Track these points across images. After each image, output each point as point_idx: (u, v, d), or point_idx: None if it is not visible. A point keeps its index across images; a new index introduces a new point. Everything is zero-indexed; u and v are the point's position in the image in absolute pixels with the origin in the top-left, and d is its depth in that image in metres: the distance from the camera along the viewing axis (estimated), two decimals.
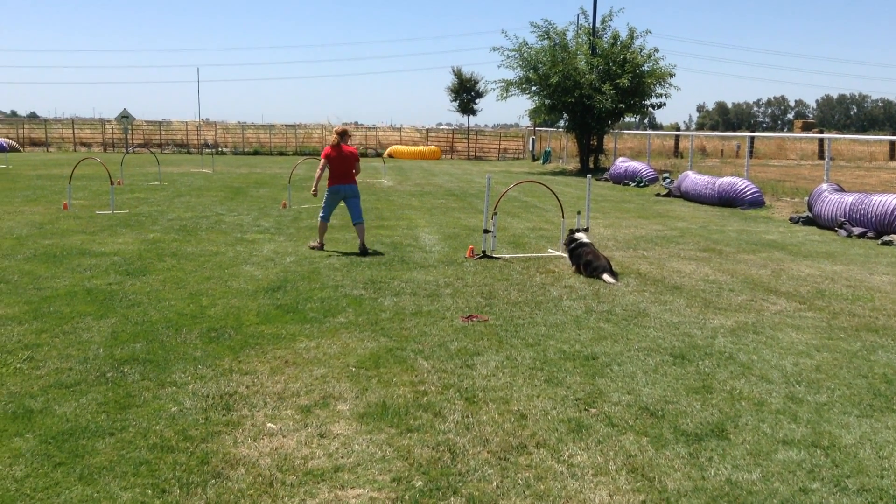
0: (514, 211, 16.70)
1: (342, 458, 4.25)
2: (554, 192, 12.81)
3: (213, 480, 3.95)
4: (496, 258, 10.69)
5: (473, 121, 54.38)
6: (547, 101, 33.57)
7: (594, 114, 32.16)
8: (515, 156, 50.80)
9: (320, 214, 11.32)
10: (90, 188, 20.00)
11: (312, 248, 11.31)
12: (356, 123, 69.32)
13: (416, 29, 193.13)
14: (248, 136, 53.23)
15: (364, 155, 48.83)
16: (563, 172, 33.82)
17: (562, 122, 35.75)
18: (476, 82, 51.21)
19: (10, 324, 6.82)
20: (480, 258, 10.64)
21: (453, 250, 11.37)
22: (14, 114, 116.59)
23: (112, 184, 16.25)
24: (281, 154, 48.77)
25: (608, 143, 36.53)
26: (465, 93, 51.12)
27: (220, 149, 49.25)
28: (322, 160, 11.16)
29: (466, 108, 51.57)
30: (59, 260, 9.89)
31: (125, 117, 43.99)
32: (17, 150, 45.00)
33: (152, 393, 5.18)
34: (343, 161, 11.20)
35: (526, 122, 42.97)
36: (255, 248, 11.18)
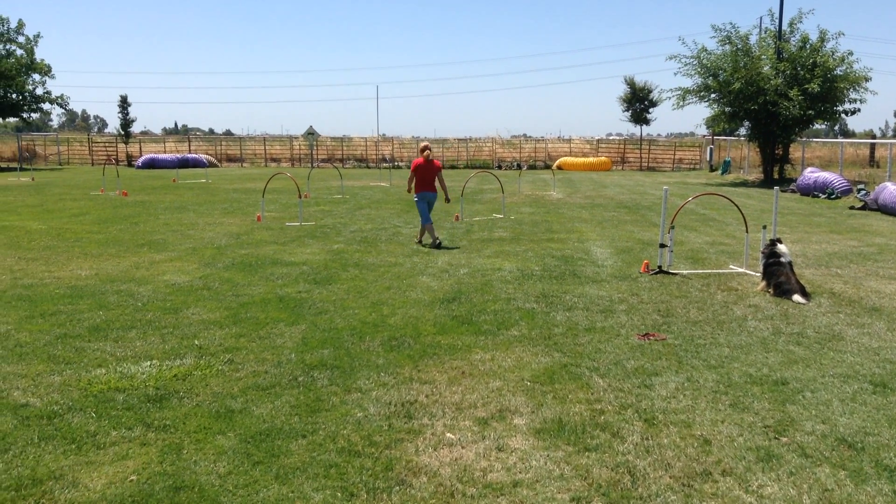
0: (691, 224, 16.11)
1: (520, 473, 4.28)
2: (736, 205, 12.24)
3: (397, 487, 4.10)
4: (673, 274, 10.35)
5: (646, 130, 53.12)
6: (727, 109, 32.19)
7: (779, 121, 30.43)
8: (692, 166, 48.96)
9: (421, 220, 13.21)
10: (280, 201, 21.43)
11: (418, 242, 13.26)
12: (525, 136, 69.67)
13: (588, 39, 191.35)
14: None
15: (533, 167, 48.97)
16: (744, 183, 32.18)
17: (743, 131, 34.12)
18: (649, 91, 50.03)
19: (213, 328, 7.43)
20: (656, 273, 10.35)
21: (627, 265, 11.13)
22: (212, 132, 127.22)
23: (300, 197, 17.35)
24: (453, 167, 49.87)
25: (795, 151, 34.41)
26: (638, 102, 50.04)
27: (396, 163, 51.15)
28: (411, 170, 13.37)
29: (639, 117, 50.47)
30: (255, 268, 10.68)
31: (311, 134, 46.70)
32: (215, 166, 49.03)
33: (339, 398, 5.46)
34: (429, 171, 13.26)
35: (703, 130, 41.30)
36: (431, 260, 11.50)
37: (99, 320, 7.66)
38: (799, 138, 33.68)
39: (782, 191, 25.15)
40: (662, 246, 10.59)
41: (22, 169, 42.14)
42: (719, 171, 40.87)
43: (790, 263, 9.28)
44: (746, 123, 33.13)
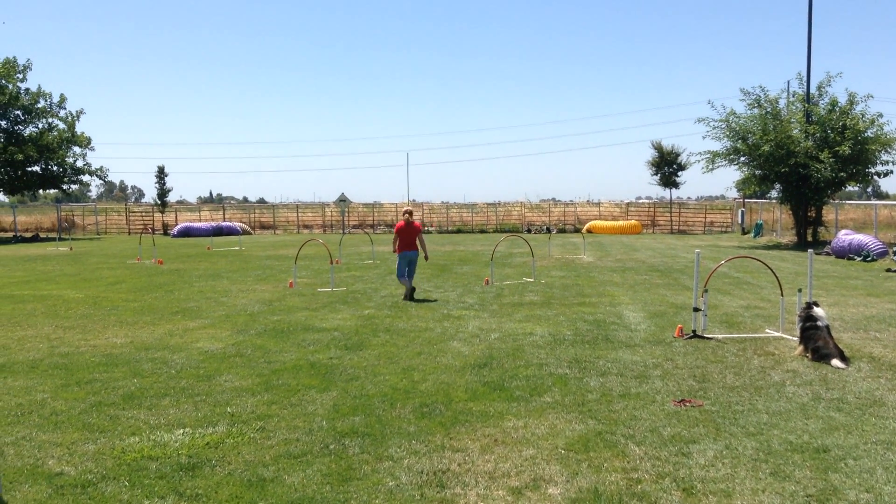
0: (725, 288, 15.93)
1: None
2: (770, 268, 12.11)
3: None
4: (708, 338, 10.20)
5: (675, 193, 52.98)
6: (757, 172, 32.12)
7: (811, 183, 30.26)
8: (723, 229, 48.68)
9: (396, 273, 14.89)
10: (312, 267, 21.64)
11: (406, 297, 14.51)
12: (553, 200, 69.93)
13: (614, 105, 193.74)
14: (452, 215, 55.35)
15: (562, 231, 49.03)
16: (777, 246, 31.87)
17: (774, 193, 33.92)
18: (677, 155, 50.15)
19: (245, 395, 7.45)
20: (690, 338, 10.21)
21: (660, 329, 11.01)
22: (245, 200, 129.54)
23: (332, 263, 17.51)
24: (482, 232, 50.16)
25: (827, 214, 34.08)
26: (667, 166, 50.14)
27: (426, 228, 51.56)
28: (395, 232, 14.91)
29: (668, 181, 50.50)
30: (286, 335, 10.74)
31: (343, 201, 47.38)
32: (248, 233, 49.79)
33: (371, 466, 5.41)
34: (409, 233, 14.82)
35: (733, 193, 41.16)
36: (461, 325, 11.48)
37: (133, 388, 7.73)
38: (831, 200, 33.41)
39: (816, 253, 24.86)
40: (696, 310, 10.48)
41: (61, 239, 43.20)
42: (751, 234, 40.57)
43: (827, 327, 9.11)
44: (777, 186, 32.97)
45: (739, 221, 45.46)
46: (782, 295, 10.87)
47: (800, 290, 10.73)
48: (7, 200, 65.45)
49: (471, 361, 8.85)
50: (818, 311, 9.23)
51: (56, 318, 12.49)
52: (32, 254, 30.70)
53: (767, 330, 10.90)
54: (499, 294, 15.21)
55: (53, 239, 43.93)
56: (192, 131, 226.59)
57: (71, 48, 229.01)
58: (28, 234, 50.55)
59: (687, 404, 6.98)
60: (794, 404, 6.97)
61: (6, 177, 46.49)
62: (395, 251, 14.95)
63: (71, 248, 34.14)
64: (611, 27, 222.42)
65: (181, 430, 6.26)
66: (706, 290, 10.73)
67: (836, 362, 8.50)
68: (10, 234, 51.11)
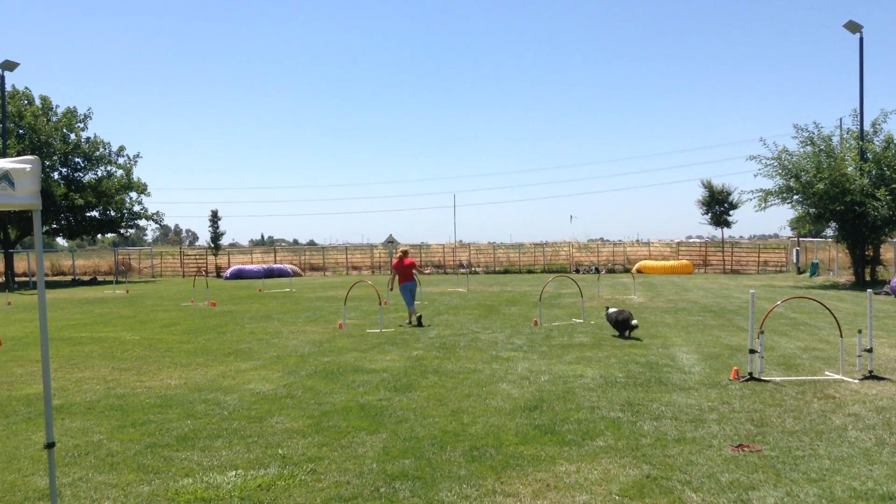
0: (781, 329, 15.54)
1: None
2: (828, 308, 11.80)
3: None
4: (765, 381, 9.93)
5: (727, 232, 52.07)
6: (812, 210, 31.53)
7: (867, 221, 29.55)
8: (777, 268, 47.67)
9: (406, 304, 17.74)
10: (361, 308, 21.78)
11: (408, 324, 17.28)
12: (601, 239, 69.37)
13: (663, 144, 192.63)
14: (499, 256, 55.28)
15: (612, 271, 48.58)
16: (834, 286, 31.05)
17: (830, 232, 33.18)
18: (729, 193, 49.51)
19: (296, 437, 7.48)
20: (747, 381, 9.95)
21: (715, 371, 10.77)
22: (296, 242, 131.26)
23: (380, 304, 17.62)
24: (529, 272, 49.98)
25: (886, 252, 33.20)
26: (718, 205, 49.50)
27: (473, 268, 51.62)
28: (393, 269, 17.99)
29: (719, 220, 49.82)
30: (336, 376, 10.79)
31: (391, 242, 47.85)
32: (299, 275, 50.42)
33: None
34: (405, 269, 17.75)
35: (788, 232, 40.41)
36: (510, 366, 11.39)
37: (187, 429, 7.83)
38: (890, 239, 32.53)
39: (875, 293, 24.15)
40: (752, 351, 10.23)
41: (118, 282, 44.34)
42: (807, 274, 39.64)
43: None
44: (833, 224, 32.30)
45: (794, 261, 44.49)
46: (842, 336, 10.56)
47: (859, 332, 10.43)
48: (67, 245, 67.50)
49: (521, 404, 8.76)
50: None
51: (112, 360, 12.76)
52: (90, 296, 31.54)
53: (827, 372, 10.57)
54: (548, 335, 15.08)
55: (110, 282, 45.10)
56: (244, 176, 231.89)
57: (130, 97, 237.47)
58: (86, 278, 52.00)
59: (745, 449, 6.78)
60: (857, 449, 6.73)
61: (66, 222, 48.05)
62: (390, 289, 17.83)
63: (127, 291, 34.98)
64: (660, 64, 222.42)
65: (233, 472, 6.31)
66: (762, 332, 10.49)
67: None
68: (70, 278, 52.63)
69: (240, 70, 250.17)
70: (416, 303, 18.63)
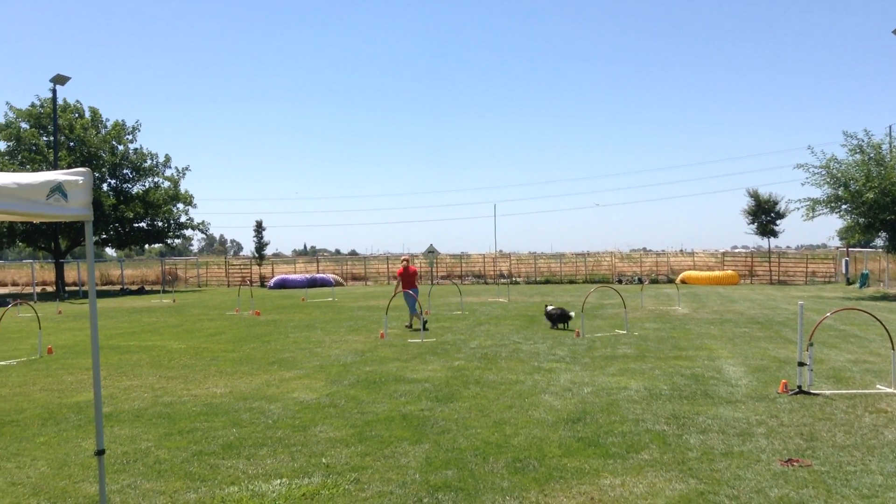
0: (830, 341, 15.18)
1: None
2: (879, 320, 11.50)
3: None
4: (814, 394, 9.71)
5: (774, 242, 51.09)
6: (861, 220, 30.78)
7: None
8: (826, 279, 46.64)
9: (410, 311, 19.24)
10: (402, 318, 21.85)
11: (407, 326, 18.99)
12: (644, 249, 68.66)
13: (708, 152, 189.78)
14: (540, 266, 55.04)
15: (655, 281, 48.02)
16: (885, 297, 30.27)
17: (880, 242, 32.37)
18: (775, 203, 48.65)
19: (339, 446, 7.53)
20: (796, 394, 9.74)
21: (763, 384, 10.56)
22: (338, 252, 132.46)
23: (421, 314, 17.65)
24: (571, 282, 49.66)
25: None
26: (764, 214, 48.66)
27: (514, 278, 51.46)
28: (398, 276, 19.53)
29: (766, 229, 48.96)
30: (378, 386, 10.83)
31: (431, 252, 47.87)
32: (341, 285, 50.80)
33: None
34: (409, 277, 19.35)
35: (836, 242, 39.49)
36: (553, 378, 11.31)
37: (232, 437, 7.93)
38: None
39: None
40: (801, 364, 10.01)
41: (165, 291, 45.17)
42: (857, 285, 38.70)
43: None
44: (883, 234, 31.50)
45: (843, 271, 43.49)
46: (893, 349, 10.28)
47: None
48: (115, 255, 69.05)
49: (563, 416, 8.70)
50: None
51: (160, 368, 12.99)
52: (138, 306, 32.18)
53: (878, 386, 10.30)
54: (590, 346, 14.95)
55: (158, 291, 45.99)
56: (288, 186, 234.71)
57: (177, 109, 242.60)
58: (134, 287, 53.08)
59: (794, 464, 6.64)
60: None
61: (115, 232, 49.16)
62: (394, 295, 19.80)
63: (174, 300, 35.62)
64: (705, 72, 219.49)
65: (278, 481, 6.37)
66: (811, 344, 10.26)
67: None
68: (118, 287, 53.78)
69: (285, 83, 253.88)
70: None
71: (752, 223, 49.60)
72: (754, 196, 49.02)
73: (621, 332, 17.48)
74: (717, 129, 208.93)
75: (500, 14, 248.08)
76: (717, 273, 46.46)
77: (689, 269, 49.36)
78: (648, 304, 26.81)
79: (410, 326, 18.80)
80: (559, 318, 18.39)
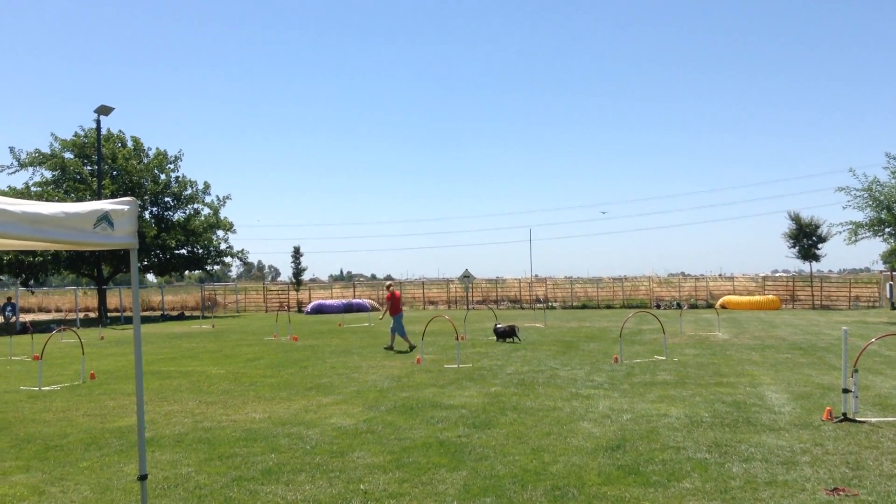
0: (876, 367, 14.82)
1: None
2: None
3: None
4: (860, 422, 9.48)
5: (816, 266, 50.13)
6: None
7: None
8: (870, 304, 45.63)
9: (401, 334, 20.29)
10: (438, 343, 21.85)
11: (387, 348, 20.31)
12: (682, 274, 67.83)
13: (747, 175, 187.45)
14: (577, 291, 54.67)
15: (694, 306, 47.39)
16: None
17: None
18: (817, 226, 47.79)
19: (377, 472, 7.53)
20: (841, 421, 9.52)
21: (806, 412, 10.34)
22: (374, 277, 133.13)
23: (457, 339, 17.64)
24: (608, 307, 49.20)
25: None
26: (805, 238, 47.83)
27: (550, 303, 51.17)
28: (390, 300, 20.66)
29: (807, 253, 48.06)
30: (415, 412, 10.83)
31: (466, 277, 47.88)
32: (377, 310, 50.93)
33: None
34: (397, 301, 20.74)
35: (880, 266, 38.66)
36: (591, 404, 11.21)
37: (271, 463, 7.98)
38: None
39: None
40: (846, 391, 9.79)
41: (204, 317, 45.76)
42: None
43: None
44: None
45: (888, 296, 42.49)
46: None
47: None
48: (155, 281, 70.19)
49: (603, 443, 8.60)
50: None
51: (199, 394, 13.15)
52: (178, 331, 32.63)
53: None
54: (629, 372, 14.79)
55: (197, 317, 46.60)
56: (324, 213, 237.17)
57: (218, 139, 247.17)
58: (174, 313, 53.87)
59: (840, 493, 6.48)
60: None
61: (157, 259, 50.03)
62: (382, 317, 22.37)
63: (213, 326, 36.04)
64: (742, 95, 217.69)
65: None
66: (856, 370, 10.04)
67: None
68: (159, 313, 54.62)
69: (321, 112, 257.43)
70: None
71: (794, 247, 48.73)
72: (795, 219, 48.22)
73: (660, 357, 17.27)
74: (755, 152, 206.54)
75: (540, 37, 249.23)
76: (757, 298, 45.72)
77: (729, 294, 48.65)
78: (688, 330, 26.45)
79: (391, 348, 20.13)
80: (506, 334, 22.21)
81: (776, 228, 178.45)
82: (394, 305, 20.68)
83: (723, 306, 44.50)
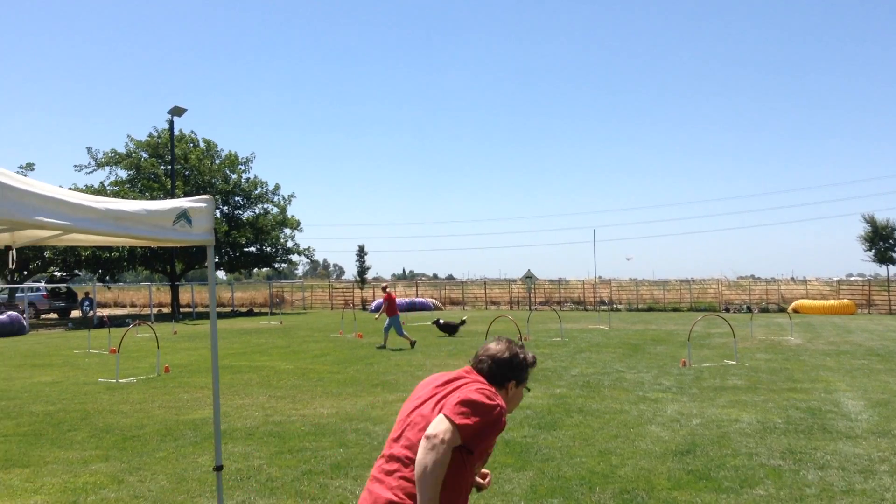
0: None
1: None
2: None
3: None
4: None
5: (893, 270, 48.23)
6: None
7: None
8: None
9: (399, 332, 21.14)
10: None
11: (379, 347, 21.03)
12: (752, 277, 66.08)
13: (821, 176, 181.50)
14: (642, 293, 53.85)
15: (765, 310, 46.17)
16: None
17: None
18: (893, 229, 46.00)
19: None
20: None
21: (885, 419, 9.98)
22: (435, 276, 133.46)
23: (521, 339, 17.58)
24: (675, 310, 48.30)
25: None
26: (882, 241, 46.08)
27: (614, 305, 50.55)
28: (388, 301, 21.49)
29: (884, 256, 46.30)
30: None
31: (529, 277, 47.69)
32: (439, 309, 51.18)
33: None
34: (393, 301, 21.62)
35: None
36: (659, 408, 11.05)
37: (339, 458, 8.11)
38: None
39: None
40: None
41: (272, 313, 46.71)
42: None
43: None
44: None
45: None
46: None
47: None
48: (225, 278, 71.92)
49: (672, 447, 8.48)
50: None
51: (269, 388, 13.44)
52: (247, 327, 33.39)
53: None
54: (698, 377, 14.51)
55: (265, 313, 47.60)
56: (388, 212, 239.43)
57: (286, 139, 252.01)
58: (243, 309, 55.12)
59: None
60: None
61: (227, 257, 51.31)
62: (377, 317, 23.29)
63: (281, 322, 36.77)
64: (814, 95, 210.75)
65: None
66: None
67: None
68: (228, 309, 55.99)
69: (387, 113, 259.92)
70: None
71: (869, 250, 47.00)
72: (871, 222, 46.46)
73: (731, 362, 16.89)
74: (830, 153, 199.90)
75: (622, 32, 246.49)
76: (832, 302, 44.25)
77: (802, 298, 47.23)
78: (759, 334, 25.79)
79: (384, 347, 20.96)
80: (449, 329, 25.53)
81: (851, 231, 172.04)
82: (390, 306, 21.41)
83: (795, 310, 43.20)
